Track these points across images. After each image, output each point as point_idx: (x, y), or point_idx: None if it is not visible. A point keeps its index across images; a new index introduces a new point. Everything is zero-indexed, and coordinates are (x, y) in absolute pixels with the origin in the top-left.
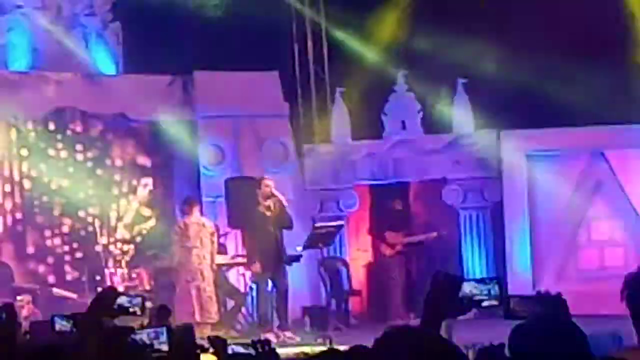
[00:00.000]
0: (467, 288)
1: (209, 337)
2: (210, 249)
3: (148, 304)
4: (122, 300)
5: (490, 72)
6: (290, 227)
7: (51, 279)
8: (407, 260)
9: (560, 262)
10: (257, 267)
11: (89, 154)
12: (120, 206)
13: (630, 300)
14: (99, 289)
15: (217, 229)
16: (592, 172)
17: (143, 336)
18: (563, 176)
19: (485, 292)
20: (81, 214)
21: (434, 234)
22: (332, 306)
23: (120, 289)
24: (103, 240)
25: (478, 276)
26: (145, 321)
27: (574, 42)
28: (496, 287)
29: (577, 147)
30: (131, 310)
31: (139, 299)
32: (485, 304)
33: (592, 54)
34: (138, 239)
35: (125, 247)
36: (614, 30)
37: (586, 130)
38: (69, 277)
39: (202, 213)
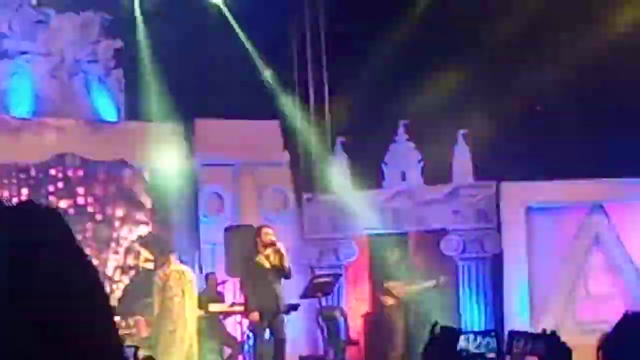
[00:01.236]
0: (464, 341)
1: None
2: (191, 296)
3: (141, 353)
4: None
5: (491, 123)
6: (288, 277)
7: None
8: (407, 310)
9: (559, 314)
10: (254, 315)
11: (90, 199)
12: (119, 252)
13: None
14: None
15: (214, 277)
16: (591, 225)
17: None
18: (562, 228)
19: (483, 344)
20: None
21: (434, 281)
22: (330, 355)
23: None
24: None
25: (476, 327)
26: None
27: (574, 96)
28: (494, 340)
29: (577, 199)
30: None
31: (132, 350)
32: (489, 355)
33: (594, 108)
34: (135, 285)
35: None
36: (615, 82)
37: (586, 183)
38: None
39: (184, 260)
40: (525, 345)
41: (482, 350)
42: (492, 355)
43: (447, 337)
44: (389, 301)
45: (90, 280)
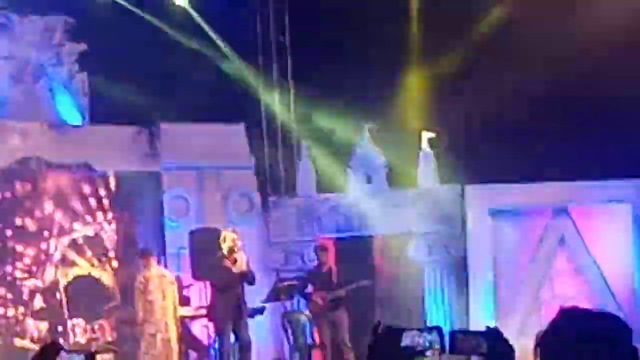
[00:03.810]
0: (408, 338)
1: None
2: (173, 299)
3: (106, 357)
4: (63, 357)
5: (456, 127)
6: (252, 283)
7: (14, 330)
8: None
9: (524, 317)
10: (220, 319)
11: (54, 203)
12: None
13: (544, 357)
14: (62, 341)
15: (180, 280)
16: (556, 228)
17: None
18: (527, 232)
19: (427, 342)
20: (48, 267)
21: (354, 285)
22: (295, 359)
23: (83, 341)
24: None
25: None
26: None
27: (539, 100)
28: (437, 337)
29: (541, 203)
30: None
31: (81, 356)
32: (427, 353)
33: (557, 112)
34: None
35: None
36: (579, 86)
37: (550, 186)
38: (31, 329)
39: (159, 263)
40: (469, 343)
41: (426, 347)
42: (435, 351)
43: (391, 336)
44: (314, 310)
45: None
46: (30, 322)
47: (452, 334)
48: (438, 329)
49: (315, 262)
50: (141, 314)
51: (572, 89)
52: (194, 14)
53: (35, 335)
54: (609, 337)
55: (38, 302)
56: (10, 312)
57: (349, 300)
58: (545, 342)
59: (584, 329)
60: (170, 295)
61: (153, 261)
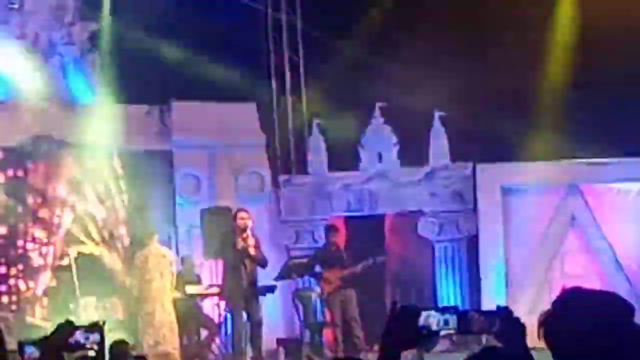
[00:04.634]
0: (425, 317)
1: None
2: (171, 279)
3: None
4: (78, 336)
5: (467, 104)
6: (264, 266)
7: (26, 306)
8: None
9: (534, 294)
10: (231, 297)
11: (65, 181)
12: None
13: (548, 336)
14: (71, 318)
15: (192, 260)
16: (567, 206)
17: None
18: (538, 210)
19: (443, 321)
20: (59, 245)
21: (369, 262)
22: (306, 337)
23: (95, 318)
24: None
25: None
26: None
27: (553, 78)
28: (454, 316)
29: (553, 181)
30: (88, 346)
31: (96, 335)
32: (442, 333)
33: (571, 90)
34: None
35: None
36: (589, 63)
37: (562, 164)
38: (42, 305)
39: (170, 241)
40: (480, 323)
41: (443, 327)
42: (451, 331)
43: (408, 315)
44: (326, 289)
45: None
46: (41, 299)
47: (463, 313)
48: (455, 308)
49: (324, 241)
50: (136, 292)
51: (586, 67)
52: None
53: (46, 312)
54: (611, 317)
55: (49, 280)
56: (22, 288)
57: (360, 278)
58: (548, 322)
59: (586, 309)
60: (168, 275)
61: (155, 239)
